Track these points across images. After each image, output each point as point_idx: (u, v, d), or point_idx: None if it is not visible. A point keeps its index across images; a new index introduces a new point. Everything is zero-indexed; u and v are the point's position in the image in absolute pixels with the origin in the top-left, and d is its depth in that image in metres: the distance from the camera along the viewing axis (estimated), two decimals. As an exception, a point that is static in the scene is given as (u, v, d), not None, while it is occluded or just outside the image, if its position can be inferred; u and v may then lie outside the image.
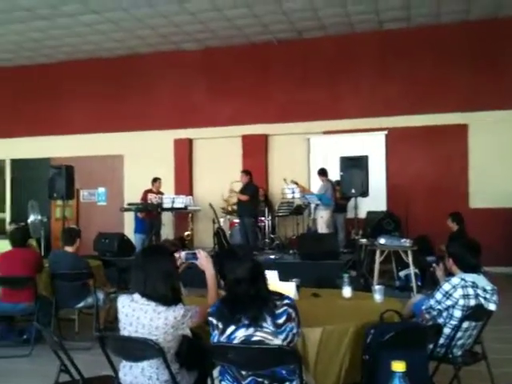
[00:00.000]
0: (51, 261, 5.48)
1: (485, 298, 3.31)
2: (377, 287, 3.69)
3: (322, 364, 2.88)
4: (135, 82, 11.74)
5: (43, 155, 12.07)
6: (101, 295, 5.37)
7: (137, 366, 2.68)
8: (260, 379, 2.44)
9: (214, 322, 2.54)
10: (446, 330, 3.27)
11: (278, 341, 2.44)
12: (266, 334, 2.44)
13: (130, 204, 9.99)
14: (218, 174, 11.07)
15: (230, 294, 2.59)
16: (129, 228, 10.62)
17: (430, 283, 6.58)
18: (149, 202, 9.83)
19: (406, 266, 7.25)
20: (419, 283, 7.17)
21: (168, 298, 2.70)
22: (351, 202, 8.80)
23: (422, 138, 10.21)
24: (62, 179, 8.60)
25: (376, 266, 7.09)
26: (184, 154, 11.62)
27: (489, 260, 5.64)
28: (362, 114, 10.42)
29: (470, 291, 3.30)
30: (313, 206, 9.63)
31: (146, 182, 10.18)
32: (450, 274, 3.60)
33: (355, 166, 8.04)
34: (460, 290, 3.29)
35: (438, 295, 3.36)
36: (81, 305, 5.37)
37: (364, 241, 7.86)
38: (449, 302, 3.31)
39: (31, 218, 8.83)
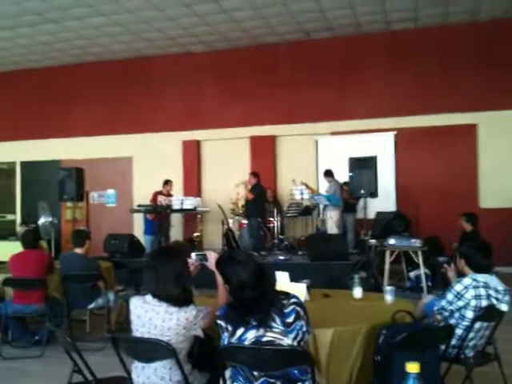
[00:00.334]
0: (62, 262, 5.52)
1: (497, 299, 3.30)
2: (388, 288, 3.69)
3: (334, 365, 2.88)
4: (143, 84, 11.79)
5: (53, 157, 12.15)
6: (111, 296, 5.40)
7: (149, 367, 2.69)
8: (272, 380, 2.45)
9: (223, 324, 2.54)
10: (458, 331, 3.26)
11: (288, 340, 2.45)
12: (277, 334, 2.45)
13: (139, 205, 10.04)
14: (226, 175, 11.09)
15: (235, 299, 2.59)
16: (138, 229, 10.67)
17: (440, 284, 6.56)
18: (158, 203, 9.87)
19: (416, 266, 7.23)
20: (429, 284, 7.14)
21: (180, 299, 2.70)
22: (360, 203, 8.79)
23: (430, 138, 10.18)
24: (71, 181, 8.66)
25: (386, 267, 7.08)
26: (192, 155, 11.65)
27: (500, 260, 5.60)
28: (370, 114, 10.40)
29: (482, 292, 3.28)
30: (321, 206, 9.62)
31: (155, 183, 10.23)
32: (461, 274, 3.59)
33: (364, 166, 8.03)
34: (472, 291, 3.28)
35: (450, 296, 3.35)
36: (92, 306, 5.40)
37: (373, 241, 7.84)
38: (460, 303, 3.29)
39: (41, 220, 8.89)
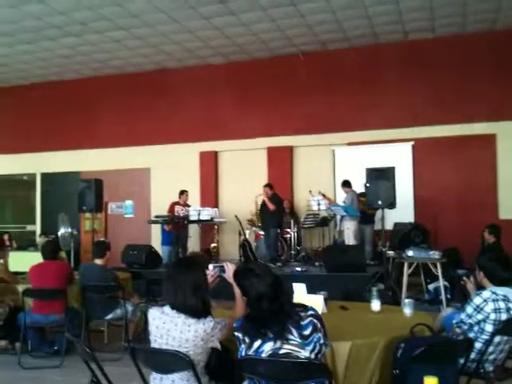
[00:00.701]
0: (81, 273, 5.58)
1: (517, 312, 3.26)
2: (406, 301, 3.66)
3: (352, 378, 2.87)
4: (162, 95, 11.91)
5: (73, 169, 12.31)
6: (129, 307, 5.44)
7: (167, 378, 2.70)
8: (289, 393, 2.45)
9: (241, 336, 2.55)
10: (478, 345, 3.22)
11: (305, 352, 2.45)
12: (294, 347, 2.45)
13: (156, 216, 10.10)
14: (243, 185, 11.12)
15: (252, 310, 2.59)
16: (156, 240, 10.73)
17: (459, 296, 6.48)
18: (176, 214, 9.93)
19: (435, 278, 7.14)
20: (449, 296, 7.06)
21: (198, 311, 2.72)
22: (378, 214, 8.73)
23: (449, 148, 10.10)
24: (91, 192, 8.76)
25: (404, 279, 7.00)
26: (210, 166, 11.71)
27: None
28: (387, 124, 10.37)
29: (502, 305, 3.24)
30: (338, 217, 9.59)
31: (173, 194, 10.29)
32: (480, 287, 3.55)
33: (381, 177, 7.97)
34: (491, 304, 3.24)
35: (469, 309, 3.31)
36: (110, 316, 5.45)
37: (391, 253, 7.77)
38: (480, 316, 3.26)
39: (61, 231, 8.99)
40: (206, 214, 9.78)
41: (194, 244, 10.64)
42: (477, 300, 3.30)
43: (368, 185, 8.10)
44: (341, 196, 9.93)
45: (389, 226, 8.97)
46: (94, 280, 5.35)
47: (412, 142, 10.36)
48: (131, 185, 12.19)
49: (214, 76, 11.62)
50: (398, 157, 10.22)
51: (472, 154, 9.98)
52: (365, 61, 10.70)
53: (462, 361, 3.05)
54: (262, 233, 10.00)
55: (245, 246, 9.53)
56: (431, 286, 7.49)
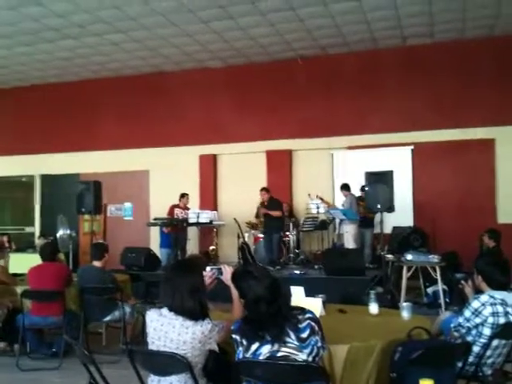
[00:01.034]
0: (79, 275, 5.58)
1: (514, 316, 3.26)
2: (404, 304, 3.67)
3: (349, 381, 2.87)
4: (161, 98, 11.92)
5: (72, 171, 12.31)
6: (127, 309, 5.44)
7: (165, 381, 2.70)
8: (287, 395, 2.45)
9: (238, 339, 2.55)
10: (475, 348, 3.22)
11: (303, 355, 2.45)
12: (291, 349, 2.46)
13: (155, 219, 10.10)
14: (242, 189, 11.12)
15: (250, 313, 2.60)
16: (155, 242, 10.73)
17: (458, 300, 6.48)
18: (175, 216, 9.93)
19: (434, 282, 7.15)
20: (447, 300, 7.06)
21: (196, 313, 2.72)
22: (377, 217, 8.74)
23: (448, 152, 10.12)
24: (90, 194, 8.77)
25: (403, 283, 7.01)
26: (209, 169, 11.72)
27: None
28: (386, 129, 10.38)
29: (500, 309, 3.25)
30: (337, 220, 9.59)
31: (172, 197, 10.30)
32: (478, 291, 3.55)
33: (380, 180, 8.00)
34: (489, 308, 3.25)
35: (467, 313, 3.32)
36: (108, 318, 5.44)
37: (390, 256, 7.78)
38: (478, 320, 3.26)
39: (60, 233, 8.98)
40: (205, 216, 9.81)
41: (192, 247, 10.66)
42: (475, 304, 3.30)
43: (367, 188, 8.12)
44: (339, 199, 9.95)
45: (388, 229, 8.98)
46: (92, 282, 5.35)
47: (411, 147, 10.38)
48: (130, 187, 12.19)
49: (212, 79, 11.64)
50: (398, 161, 10.23)
51: (471, 158, 10.00)
52: (364, 65, 10.72)
53: (459, 364, 3.06)
54: (260, 236, 10.00)
55: (243, 248, 9.54)
56: (430, 290, 7.49)
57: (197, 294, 2.77)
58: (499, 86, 9.89)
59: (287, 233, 10.03)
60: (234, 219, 9.83)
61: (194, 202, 11.09)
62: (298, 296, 3.60)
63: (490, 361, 3.26)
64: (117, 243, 10.23)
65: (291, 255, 9.96)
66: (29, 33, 9.55)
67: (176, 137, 11.76)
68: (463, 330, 3.33)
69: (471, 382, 3.17)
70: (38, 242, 10.67)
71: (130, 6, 8.47)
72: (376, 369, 2.90)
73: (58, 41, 9.97)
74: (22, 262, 6.27)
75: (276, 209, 9.46)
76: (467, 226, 9.35)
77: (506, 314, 3.25)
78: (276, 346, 2.46)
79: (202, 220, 9.76)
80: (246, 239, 9.94)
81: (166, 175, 11.74)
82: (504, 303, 3.27)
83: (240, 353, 2.54)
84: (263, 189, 9.74)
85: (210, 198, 11.61)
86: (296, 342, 2.46)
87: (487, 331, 3.23)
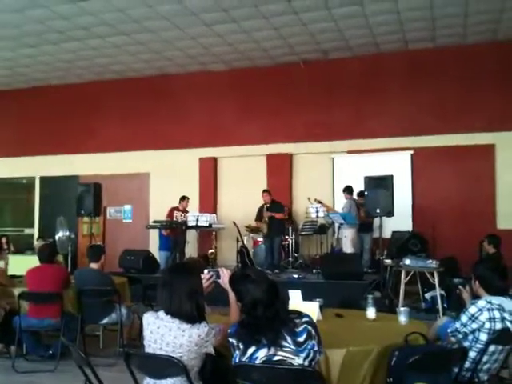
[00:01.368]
0: (76, 277, 5.58)
1: (511, 322, 3.25)
2: (402, 309, 3.66)
3: (345, 386, 2.86)
4: (163, 101, 11.94)
5: (72, 173, 12.32)
6: (125, 311, 5.43)
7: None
8: (283, 399, 2.44)
9: (235, 342, 2.55)
10: (472, 354, 3.22)
11: (299, 359, 2.44)
12: (288, 353, 2.45)
13: (155, 221, 10.10)
14: (242, 192, 11.14)
15: (247, 317, 2.59)
16: (154, 245, 10.72)
17: (456, 305, 6.47)
18: (174, 219, 9.93)
19: (432, 287, 7.14)
20: (445, 305, 7.05)
21: (192, 316, 2.72)
22: (376, 222, 8.73)
23: (448, 157, 10.12)
24: (89, 197, 8.78)
25: (401, 288, 7.00)
26: (209, 172, 11.73)
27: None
28: (387, 133, 10.39)
29: (497, 314, 3.24)
30: (337, 225, 9.59)
31: (172, 199, 10.29)
32: (475, 296, 3.55)
33: (380, 185, 8.00)
34: (486, 313, 3.24)
35: (464, 318, 3.31)
36: (105, 321, 5.43)
37: (389, 261, 7.78)
38: (474, 325, 3.26)
39: (59, 235, 8.98)
40: (204, 219, 9.80)
41: (191, 250, 10.65)
42: (472, 309, 3.30)
43: (366, 193, 8.12)
44: (339, 204, 9.94)
45: (387, 234, 8.97)
46: (88, 284, 5.34)
47: (411, 151, 10.39)
48: (130, 190, 12.20)
49: (215, 82, 11.65)
50: (398, 165, 10.24)
51: (471, 163, 10.00)
52: (366, 70, 10.74)
53: (456, 370, 3.05)
54: (260, 239, 10.00)
55: (242, 252, 9.54)
56: (428, 295, 7.48)
57: (194, 297, 2.76)
58: (500, 91, 9.90)
59: (286, 237, 10.02)
60: (233, 223, 9.83)
61: (193, 204, 11.09)
62: (296, 300, 3.60)
63: (486, 366, 3.25)
64: (116, 245, 10.27)
65: (290, 259, 9.96)
66: (33, 34, 9.60)
67: (177, 139, 11.78)
68: (460, 335, 3.33)
69: (468, 387, 3.17)
70: (37, 243, 10.66)
71: (133, 8, 8.51)
72: (372, 373, 2.89)
73: (61, 43, 10.01)
74: (21, 264, 6.25)
75: (279, 211, 9.45)
76: (467, 232, 9.35)
77: (503, 319, 3.24)
78: (272, 350, 2.46)
79: (201, 223, 9.75)
80: (245, 243, 9.94)
81: (166, 178, 11.75)
82: (501, 309, 3.27)
83: (237, 356, 2.54)
84: (265, 191, 9.72)
85: (209, 201, 11.61)
86: (292, 346, 2.46)
87: (484, 337, 3.22)
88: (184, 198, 10.21)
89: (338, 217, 9.17)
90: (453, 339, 3.39)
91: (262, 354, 2.47)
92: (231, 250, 10.39)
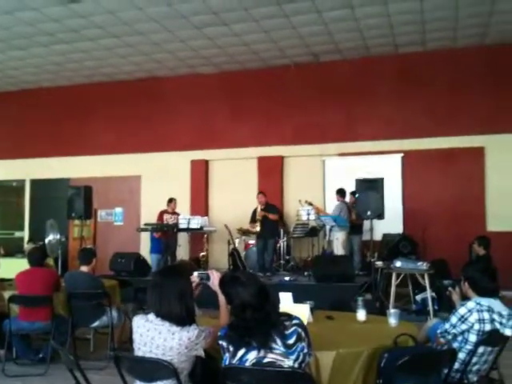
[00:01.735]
0: (66, 280, 5.55)
1: (500, 323, 3.28)
2: (392, 311, 3.68)
3: (336, 387, 2.87)
4: (153, 104, 11.92)
5: (63, 176, 12.26)
6: (115, 314, 5.41)
7: (151, 387, 2.70)
8: (273, 401, 2.44)
9: (225, 344, 2.55)
10: (461, 355, 3.23)
11: (289, 361, 2.45)
12: (277, 356, 2.45)
13: (146, 224, 10.08)
14: (233, 195, 11.14)
15: (237, 319, 2.59)
16: (145, 248, 10.69)
17: (446, 307, 6.51)
18: (165, 222, 9.91)
19: (423, 289, 7.18)
20: (436, 307, 7.08)
21: (182, 318, 2.72)
22: (367, 224, 8.77)
23: (438, 160, 10.18)
24: (80, 199, 8.75)
25: (392, 290, 7.03)
26: (200, 175, 11.71)
27: (507, 284, 5.55)
28: (377, 136, 10.44)
29: (486, 316, 3.26)
30: (328, 227, 9.61)
31: (163, 202, 10.28)
32: (465, 297, 3.57)
33: (371, 188, 8.04)
34: (475, 314, 3.26)
35: (453, 319, 3.33)
36: (96, 324, 5.41)
37: (380, 263, 7.80)
38: (464, 326, 3.27)
39: (50, 238, 8.93)
40: (196, 222, 9.79)
41: (183, 252, 10.62)
42: (461, 310, 3.32)
43: (357, 195, 8.15)
44: (330, 206, 9.96)
45: (378, 236, 9.00)
46: (78, 287, 5.32)
47: (401, 154, 10.44)
48: (121, 192, 12.16)
49: (206, 85, 11.65)
50: (388, 168, 10.29)
51: (461, 166, 10.07)
52: (357, 73, 10.78)
53: (445, 371, 3.07)
54: (251, 242, 9.99)
55: (234, 255, 9.53)
56: (419, 297, 7.52)
57: (184, 300, 2.76)
58: (490, 94, 9.98)
59: (278, 239, 10.02)
60: (225, 225, 9.82)
61: (185, 207, 11.08)
62: (287, 302, 3.61)
63: (475, 368, 3.27)
64: (107, 248, 10.23)
65: (281, 262, 9.96)
66: (23, 37, 9.55)
67: (168, 142, 11.76)
68: (449, 337, 3.35)
69: (457, 388, 3.18)
70: (27, 246, 10.61)
71: (123, 11, 8.49)
72: (362, 375, 2.91)
73: (51, 45, 9.96)
74: (12, 267, 6.20)
75: (274, 212, 9.45)
76: (457, 234, 9.41)
77: (492, 320, 3.27)
78: (262, 353, 2.46)
79: (192, 226, 9.74)
80: (237, 245, 9.93)
81: (157, 180, 11.72)
82: (490, 310, 3.29)
83: (226, 359, 2.54)
84: (261, 192, 9.71)
85: (201, 203, 11.60)
86: (282, 349, 2.46)
87: (473, 338, 3.24)
88: (171, 200, 10.19)
89: (330, 219, 9.20)
90: (442, 340, 3.41)
91: (252, 356, 2.47)
92: (223, 252, 10.38)
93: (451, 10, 8.61)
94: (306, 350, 2.50)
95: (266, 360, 2.45)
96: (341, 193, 9.51)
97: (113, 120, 12.20)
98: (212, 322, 3.07)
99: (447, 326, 3.35)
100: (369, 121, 10.60)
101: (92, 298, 5.36)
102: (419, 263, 7.03)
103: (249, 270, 8.85)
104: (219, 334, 2.61)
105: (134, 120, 12.04)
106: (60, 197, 10.59)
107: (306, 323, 3.10)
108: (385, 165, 10.38)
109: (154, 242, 10.06)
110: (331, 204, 9.88)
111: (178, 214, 10.11)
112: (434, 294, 7.10)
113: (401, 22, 9.02)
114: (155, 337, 2.69)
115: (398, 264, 7.08)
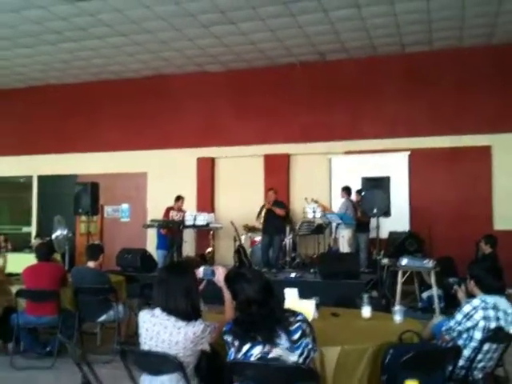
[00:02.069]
0: (74, 276, 5.60)
1: (506, 321, 3.28)
2: (396, 308, 3.69)
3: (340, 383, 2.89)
4: (160, 101, 11.95)
5: (70, 172, 12.31)
6: (121, 308, 5.46)
7: (156, 380, 2.72)
8: (278, 396, 2.46)
9: (230, 339, 2.57)
10: (466, 352, 3.24)
11: (294, 357, 2.47)
12: (282, 351, 2.48)
13: (152, 220, 10.12)
14: (239, 192, 11.16)
15: (242, 314, 2.61)
16: (151, 244, 10.73)
17: (452, 304, 6.50)
18: (170, 218, 9.94)
19: (429, 287, 7.18)
20: (442, 305, 7.08)
21: (188, 314, 2.74)
22: (373, 222, 8.77)
23: (445, 159, 10.16)
24: (87, 195, 8.80)
25: (398, 287, 7.03)
26: (207, 172, 11.74)
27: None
28: (384, 134, 10.42)
29: (491, 313, 3.27)
30: (334, 225, 9.62)
31: (169, 199, 10.31)
32: (471, 295, 3.58)
33: (377, 186, 8.05)
34: (481, 312, 3.27)
35: (459, 316, 3.34)
36: (103, 318, 5.46)
37: (386, 261, 7.80)
38: (469, 324, 3.28)
39: (57, 233, 8.99)
40: (202, 219, 9.81)
41: (189, 249, 10.67)
42: (466, 307, 3.32)
43: (363, 193, 8.16)
44: (336, 204, 9.96)
45: (384, 234, 8.99)
46: (86, 282, 5.37)
47: (408, 152, 10.42)
48: (128, 189, 12.20)
49: (212, 83, 11.67)
50: (395, 166, 10.27)
51: (467, 165, 10.03)
52: (363, 72, 10.76)
53: (450, 368, 3.07)
54: (257, 239, 10.01)
55: (240, 251, 9.56)
56: (425, 295, 7.52)
57: (190, 295, 2.79)
58: (496, 93, 9.94)
59: (283, 236, 10.03)
60: (231, 222, 9.85)
61: (191, 204, 11.11)
62: (292, 297, 3.62)
63: (480, 365, 3.28)
64: (113, 244, 10.28)
65: (287, 259, 9.97)
66: (30, 35, 9.58)
67: (175, 139, 11.79)
68: (454, 334, 3.35)
69: (461, 385, 3.19)
70: (34, 242, 10.68)
71: (131, 9, 8.51)
72: (367, 371, 2.92)
73: (59, 43, 10.00)
74: (19, 262, 6.27)
75: (281, 207, 9.35)
76: (463, 232, 9.38)
77: (498, 318, 3.27)
78: (267, 348, 2.48)
79: (198, 222, 9.77)
80: (243, 242, 9.96)
81: (163, 177, 11.76)
82: (495, 308, 3.29)
83: (232, 354, 2.56)
84: (271, 189, 9.63)
85: (207, 200, 11.62)
86: (287, 344, 2.48)
87: (478, 335, 3.25)
88: (179, 198, 10.20)
89: (336, 217, 9.21)
90: (447, 337, 3.41)
91: (257, 351, 2.49)
92: (229, 249, 10.41)
93: (458, 10, 8.56)
94: (310, 346, 2.52)
95: (270, 355, 2.47)
96: (346, 190, 9.52)
97: (120, 117, 12.24)
98: (217, 318, 3.10)
99: (452, 323, 3.36)
100: (375, 119, 10.58)
101: (99, 293, 5.41)
102: (425, 261, 7.02)
103: (254, 267, 8.89)
104: (224, 328, 2.64)
105: (140, 117, 12.07)
106: (67, 193, 10.64)
107: (311, 319, 3.12)
108: (391, 163, 10.36)
109: (160, 239, 10.10)
110: (337, 202, 9.88)
111: (184, 212, 10.13)
112: (440, 292, 7.09)
113: (407, 21, 8.98)
114: (161, 331, 2.72)
115: (404, 262, 7.07)
